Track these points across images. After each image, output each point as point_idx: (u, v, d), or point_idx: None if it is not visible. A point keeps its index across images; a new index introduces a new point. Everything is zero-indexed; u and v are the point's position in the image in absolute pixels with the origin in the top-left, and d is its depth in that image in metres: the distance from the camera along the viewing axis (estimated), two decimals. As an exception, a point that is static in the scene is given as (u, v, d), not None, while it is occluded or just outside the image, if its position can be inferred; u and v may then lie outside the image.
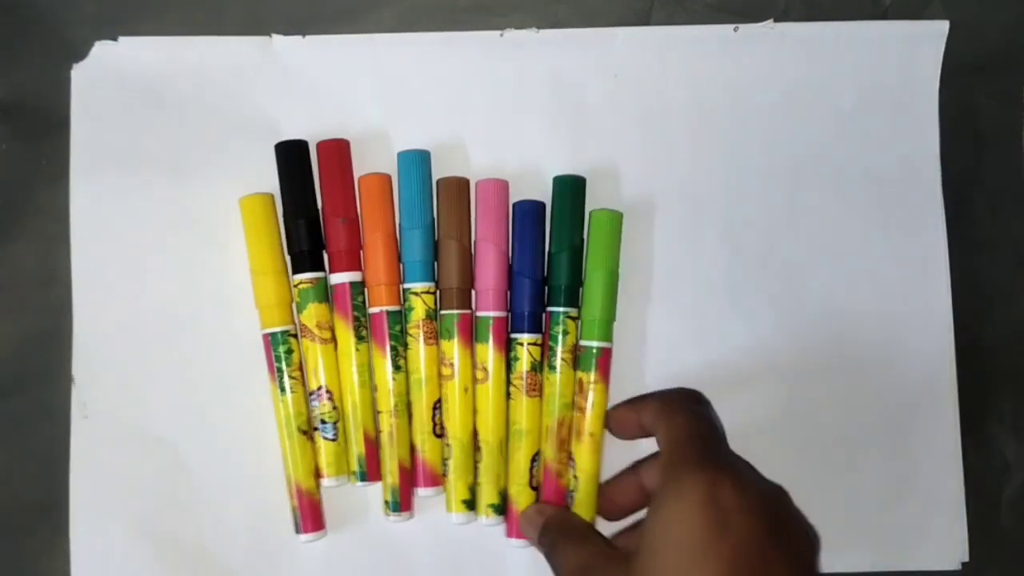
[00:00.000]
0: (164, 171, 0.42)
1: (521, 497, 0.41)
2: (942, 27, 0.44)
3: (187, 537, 0.42)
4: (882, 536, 0.43)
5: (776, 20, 0.44)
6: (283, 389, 0.41)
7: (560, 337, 0.41)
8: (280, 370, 0.41)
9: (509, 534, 0.42)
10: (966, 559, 0.43)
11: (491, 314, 0.41)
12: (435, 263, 0.42)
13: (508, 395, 0.41)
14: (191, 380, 0.42)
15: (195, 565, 0.42)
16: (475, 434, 0.41)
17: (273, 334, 0.41)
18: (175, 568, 0.41)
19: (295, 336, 0.41)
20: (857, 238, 0.44)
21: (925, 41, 0.44)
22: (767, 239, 0.43)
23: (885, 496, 0.43)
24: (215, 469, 0.42)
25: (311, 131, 0.42)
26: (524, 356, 0.41)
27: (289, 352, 0.41)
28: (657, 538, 0.33)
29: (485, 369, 0.41)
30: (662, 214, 0.43)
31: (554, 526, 0.39)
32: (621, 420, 0.41)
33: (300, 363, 0.41)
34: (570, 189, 0.42)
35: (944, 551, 0.43)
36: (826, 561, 0.42)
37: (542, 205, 0.42)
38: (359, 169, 0.42)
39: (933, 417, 0.43)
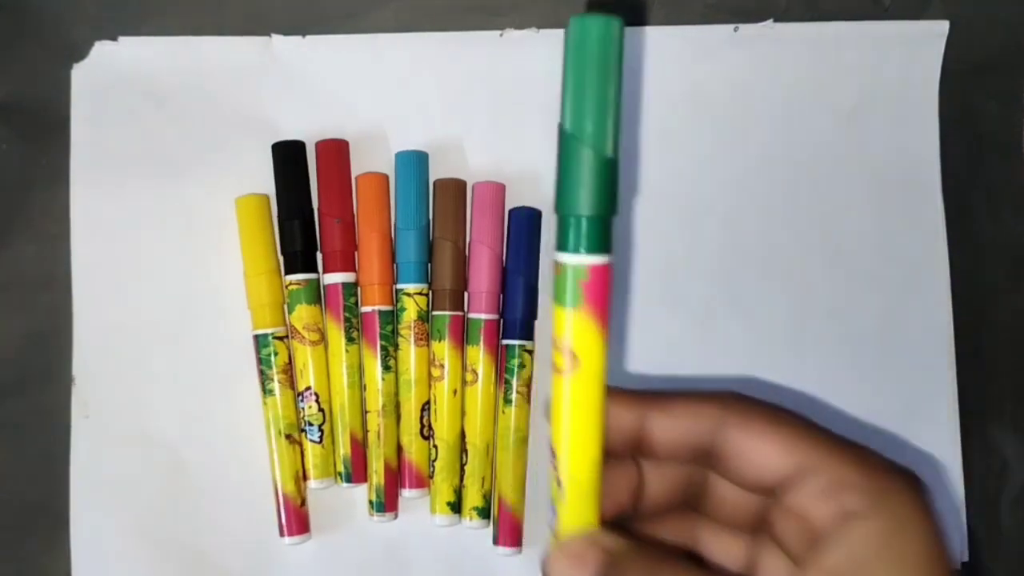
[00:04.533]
0: (164, 171, 0.42)
1: (522, 507, 0.41)
2: (942, 27, 0.44)
3: (188, 537, 0.42)
4: (882, 536, 0.43)
5: (776, 20, 0.44)
6: (269, 392, 0.41)
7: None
8: (265, 373, 0.41)
9: (497, 542, 0.41)
10: (966, 559, 0.43)
11: (482, 316, 0.41)
12: (429, 264, 0.42)
13: (511, 402, 0.41)
14: (192, 380, 0.42)
15: (195, 565, 0.41)
16: (462, 436, 0.41)
17: (261, 336, 0.41)
18: (176, 568, 0.41)
19: (285, 338, 0.41)
20: (857, 238, 0.44)
21: (925, 41, 0.44)
22: (767, 239, 0.43)
23: (885, 496, 0.43)
24: (215, 469, 0.42)
25: (311, 131, 0.42)
26: (529, 363, 0.41)
27: (275, 354, 0.41)
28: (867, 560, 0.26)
29: (475, 371, 0.41)
30: (661, 214, 0.43)
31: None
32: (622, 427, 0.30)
33: (286, 366, 0.41)
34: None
35: (944, 551, 0.43)
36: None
37: (538, 213, 0.42)
38: (357, 169, 0.42)
39: (933, 417, 0.43)
